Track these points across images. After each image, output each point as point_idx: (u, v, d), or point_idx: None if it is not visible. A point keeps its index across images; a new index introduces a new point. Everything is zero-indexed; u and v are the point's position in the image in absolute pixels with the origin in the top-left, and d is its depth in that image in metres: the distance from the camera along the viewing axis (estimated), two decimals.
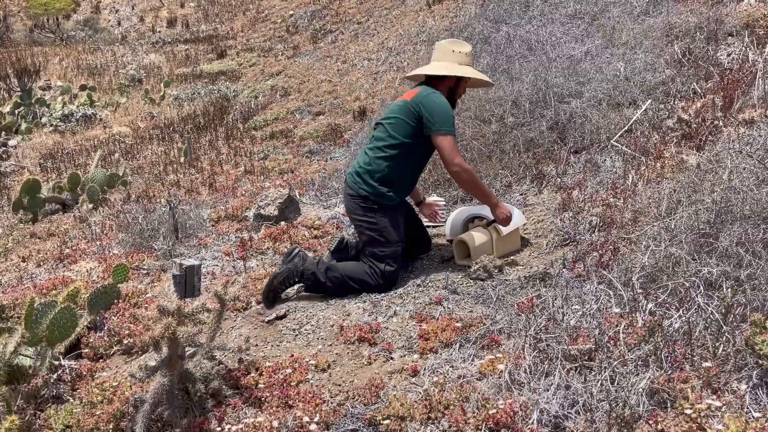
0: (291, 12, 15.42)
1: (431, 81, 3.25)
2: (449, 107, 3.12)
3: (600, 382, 1.87)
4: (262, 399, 2.25)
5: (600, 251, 2.78)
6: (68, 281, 3.58)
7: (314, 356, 2.54)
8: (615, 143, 3.96)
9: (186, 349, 2.29)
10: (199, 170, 7.19)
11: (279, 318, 2.93)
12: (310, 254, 3.59)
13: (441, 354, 2.41)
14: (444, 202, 4.00)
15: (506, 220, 3.19)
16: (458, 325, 2.55)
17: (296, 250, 3.18)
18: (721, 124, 3.42)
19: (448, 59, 3.24)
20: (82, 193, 6.54)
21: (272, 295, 3.07)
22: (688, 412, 1.67)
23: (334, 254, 3.32)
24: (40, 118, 11.45)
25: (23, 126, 11.06)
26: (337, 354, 2.56)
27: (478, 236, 3.25)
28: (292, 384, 2.34)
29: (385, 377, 2.31)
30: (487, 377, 2.17)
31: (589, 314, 2.22)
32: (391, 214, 3.17)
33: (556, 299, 2.39)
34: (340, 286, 3.07)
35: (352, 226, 3.49)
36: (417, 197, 3.70)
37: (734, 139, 2.98)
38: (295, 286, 3.19)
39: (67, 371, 2.68)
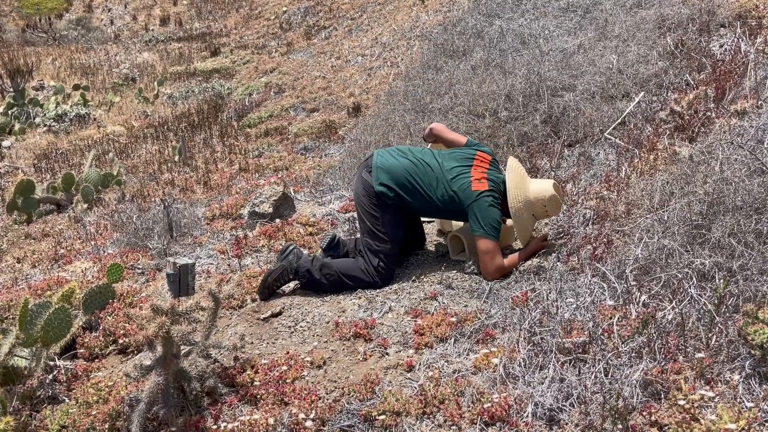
0: (284, 9, 15.38)
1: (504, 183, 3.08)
2: (499, 215, 3.04)
3: (594, 374, 1.88)
4: (258, 396, 2.25)
5: (594, 244, 2.78)
6: (63, 281, 3.57)
7: (310, 353, 2.54)
8: (608, 136, 3.96)
9: (181, 348, 2.29)
10: (194, 168, 7.18)
11: (274, 315, 2.93)
12: (305, 251, 3.59)
13: (436, 349, 2.41)
14: None
15: (541, 245, 3.15)
16: (453, 319, 2.55)
17: (291, 247, 3.18)
18: (713, 115, 3.42)
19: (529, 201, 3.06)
20: (76, 193, 6.52)
21: (267, 292, 3.09)
22: (681, 402, 1.68)
23: (325, 251, 3.32)
24: (34, 119, 11.41)
25: (17, 126, 11.02)
26: (332, 350, 2.56)
27: None
28: (288, 381, 2.34)
29: (380, 373, 2.31)
30: (482, 371, 2.18)
31: (583, 307, 2.23)
32: (393, 211, 3.14)
33: (550, 292, 2.40)
34: (336, 283, 3.07)
35: (354, 214, 3.40)
36: None
37: (726, 131, 2.99)
38: (291, 284, 3.19)
39: (63, 371, 2.67)
